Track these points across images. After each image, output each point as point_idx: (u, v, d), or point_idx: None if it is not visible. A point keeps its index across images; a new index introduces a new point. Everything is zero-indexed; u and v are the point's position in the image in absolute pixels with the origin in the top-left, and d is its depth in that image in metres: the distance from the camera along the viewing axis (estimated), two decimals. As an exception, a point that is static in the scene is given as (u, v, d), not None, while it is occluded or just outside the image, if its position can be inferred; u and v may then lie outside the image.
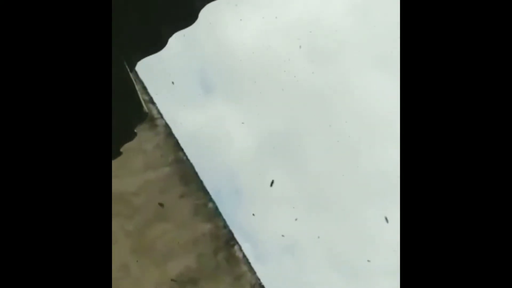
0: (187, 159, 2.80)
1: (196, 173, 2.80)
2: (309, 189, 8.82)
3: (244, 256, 2.76)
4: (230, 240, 2.77)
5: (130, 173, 2.58)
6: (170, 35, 1.54)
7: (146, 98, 2.74)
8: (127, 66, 1.58)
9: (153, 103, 2.76)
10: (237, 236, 3.03)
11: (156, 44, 1.53)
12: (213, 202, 2.79)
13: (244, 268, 2.72)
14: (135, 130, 1.63)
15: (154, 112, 2.78)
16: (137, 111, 1.54)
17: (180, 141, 3.04)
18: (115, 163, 1.35)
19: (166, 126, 2.80)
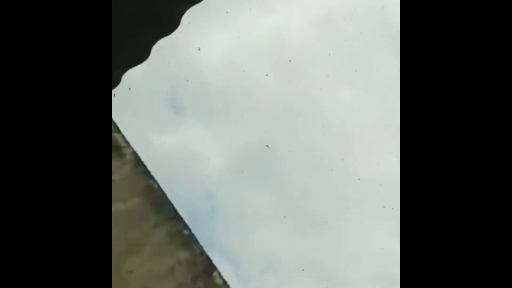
0: (158, 187, 2.72)
1: (168, 201, 2.71)
2: (286, 203, 8.76)
3: (225, 282, 2.68)
4: (208, 267, 2.68)
5: (99, 206, 2.47)
6: (123, 73, 1.49)
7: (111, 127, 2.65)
8: None
9: (118, 131, 2.67)
10: (217, 257, 2.95)
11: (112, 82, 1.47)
12: (188, 229, 2.71)
13: (225, 294, 2.63)
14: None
15: (121, 141, 2.70)
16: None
17: (151, 166, 2.95)
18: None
19: (134, 154, 2.72)
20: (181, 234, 2.62)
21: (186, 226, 2.68)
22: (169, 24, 1.48)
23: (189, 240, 2.62)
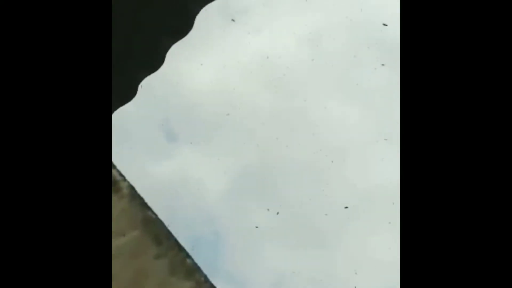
0: (157, 218, 2.71)
1: (168, 231, 2.70)
2: (288, 219, 8.74)
3: (231, 308, 2.66)
4: (213, 295, 2.66)
5: (99, 242, 2.46)
6: (115, 109, 1.51)
7: (105, 162, 2.65)
8: None
9: (113, 166, 2.67)
10: (224, 281, 2.94)
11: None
12: (190, 258, 2.69)
13: (232, 321, 2.61)
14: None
15: (116, 175, 2.70)
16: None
17: (150, 197, 2.95)
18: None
19: (130, 187, 2.72)
20: (184, 264, 2.60)
21: (188, 255, 2.66)
22: (154, 61, 1.50)
23: (192, 269, 2.60)
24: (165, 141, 8.48)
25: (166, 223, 2.88)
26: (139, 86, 1.49)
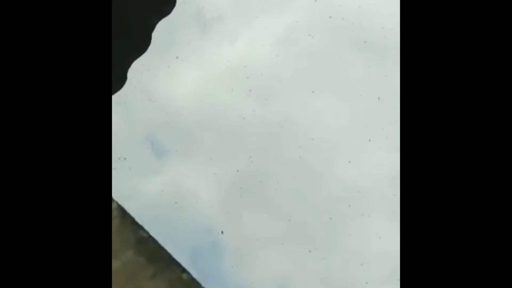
0: (150, 236, 2.68)
1: (162, 248, 2.67)
2: (286, 223, 8.72)
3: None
4: (214, 307, 2.64)
5: (93, 267, 2.43)
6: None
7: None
8: None
9: (99, 189, 2.64)
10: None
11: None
12: (187, 272, 2.67)
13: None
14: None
15: (103, 197, 2.66)
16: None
17: (141, 216, 2.93)
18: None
19: (119, 207, 2.69)
20: (181, 279, 2.58)
21: (184, 270, 2.64)
22: (116, 80, 1.50)
23: (189, 284, 2.58)
24: (154, 157, 8.43)
25: (164, 238, 2.86)
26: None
